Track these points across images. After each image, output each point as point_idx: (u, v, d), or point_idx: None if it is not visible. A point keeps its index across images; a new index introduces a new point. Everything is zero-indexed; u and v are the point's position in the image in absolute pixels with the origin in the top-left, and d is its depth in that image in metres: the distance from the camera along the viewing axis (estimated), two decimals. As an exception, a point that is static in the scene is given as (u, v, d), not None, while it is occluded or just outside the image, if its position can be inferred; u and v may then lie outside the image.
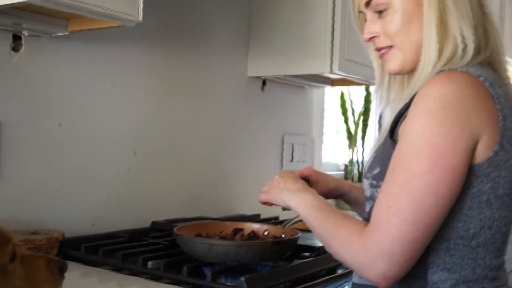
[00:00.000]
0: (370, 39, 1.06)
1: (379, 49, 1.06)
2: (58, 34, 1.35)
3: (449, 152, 0.85)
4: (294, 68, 1.98)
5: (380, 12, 1.03)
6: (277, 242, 1.25)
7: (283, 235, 1.35)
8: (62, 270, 0.89)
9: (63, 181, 1.46)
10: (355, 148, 2.67)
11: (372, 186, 1.00)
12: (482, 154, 0.88)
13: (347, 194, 1.26)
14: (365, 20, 1.08)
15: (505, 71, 0.99)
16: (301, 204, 1.04)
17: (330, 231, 0.96)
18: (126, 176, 1.63)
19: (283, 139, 2.29)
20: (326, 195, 1.22)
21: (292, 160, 2.33)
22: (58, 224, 1.43)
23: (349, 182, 1.35)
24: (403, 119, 0.95)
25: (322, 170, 2.53)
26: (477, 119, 0.87)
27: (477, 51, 0.96)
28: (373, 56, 1.12)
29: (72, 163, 1.48)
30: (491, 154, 0.89)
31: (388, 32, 1.02)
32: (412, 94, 0.94)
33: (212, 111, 1.94)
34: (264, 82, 2.17)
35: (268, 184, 1.15)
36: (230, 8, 2.01)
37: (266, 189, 1.15)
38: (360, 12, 1.09)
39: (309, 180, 1.22)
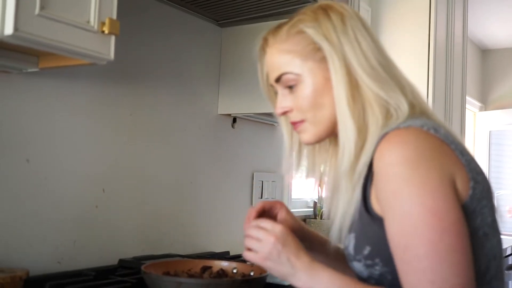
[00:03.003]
0: (283, 113, 1.07)
1: (293, 123, 1.06)
2: (29, 70, 1.35)
3: (445, 207, 0.84)
4: (264, 106, 2.00)
5: (290, 87, 1.03)
6: (246, 280, 1.25)
7: (252, 273, 1.35)
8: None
9: (29, 218, 1.44)
10: (323, 185, 2.69)
11: (368, 266, 0.96)
12: (462, 194, 0.89)
13: (310, 240, 1.20)
14: (276, 93, 1.08)
15: (436, 117, 1.01)
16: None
17: None
18: (94, 213, 1.62)
19: (252, 176, 2.30)
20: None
21: (261, 197, 2.34)
22: (23, 262, 1.40)
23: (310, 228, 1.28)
24: (370, 190, 0.94)
25: (291, 207, 2.56)
26: (445, 164, 0.88)
27: (412, 106, 0.98)
28: (283, 126, 1.13)
29: (39, 199, 1.46)
30: (470, 191, 0.89)
31: (299, 108, 1.03)
32: (363, 169, 0.94)
33: (182, 148, 1.95)
34: (234, 120, 2.19)
35: (250, 236, 1.05)
36: (201, 46, 2.04)
37: (255, 247, 1.03)
38: (271, 85, 1.09)
39: (277, 216, 1.20)
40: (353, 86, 0.97)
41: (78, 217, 1.57)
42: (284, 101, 1.05)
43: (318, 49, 1.00)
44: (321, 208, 2.70)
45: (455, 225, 0.84)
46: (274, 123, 2.36)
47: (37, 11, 1.02)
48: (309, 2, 1.80)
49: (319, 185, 1.19)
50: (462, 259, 0.83)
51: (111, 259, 1.63)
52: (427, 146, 0.89)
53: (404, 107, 0.96)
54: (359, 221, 0.97)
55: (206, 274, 1.35)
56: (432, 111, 1.02)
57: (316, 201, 2.73)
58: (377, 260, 0.94)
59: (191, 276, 1.33)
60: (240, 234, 2.21)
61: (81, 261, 1.56)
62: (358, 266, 0.98)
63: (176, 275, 1.33)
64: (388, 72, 0.99)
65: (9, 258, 1.38)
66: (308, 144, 1.07)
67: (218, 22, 2.09)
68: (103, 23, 1.15)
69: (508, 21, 4.21)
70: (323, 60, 1.00)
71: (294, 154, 1.14)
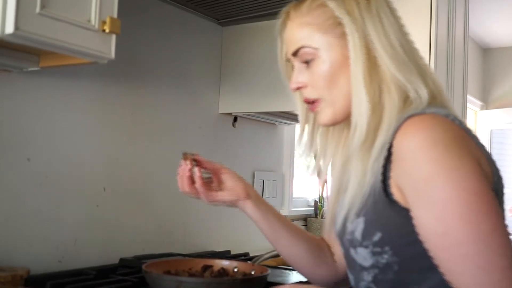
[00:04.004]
0: (298, 89, 1.03)
1: (307, 101, 1.03)
2: (29, 69, 1.35)
3: (482, 188, 0.81)
4: (265, 105, 2.01)
5: (307, 62, 1.00)
6: (247, 279, 1.25)
7: (253, 272, 1.35)
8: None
9: (30, 217, 1.44)
10: (325, 184, 2.69)
11: (375, 254, 0.93)
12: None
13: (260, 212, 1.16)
14: (293, 69, 1.05)
15: (456, 113, 0.96)
16: None
17: None
18: (95, 211, 1.62)
19: (253, 175, 2.30)
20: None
21: (262, 196, 2.34)
22: (24, 261, 1.40)
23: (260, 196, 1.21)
24: (389, 175, 0.90)
25: (292, 206, 2.56)
26: (473, 151, 0.86)
27: (433, 96, 0.95)
28: (298, 105, 1.10)
29: (40, 198, 1.46)
30: (494, 185, 0.87)
31: (314, 84, 1.00)
32: (381, 150, 0.90)
33: (183, 147, 1.95)
34: (235, 119, 2.19)
35: None
36: (202, 45, 2.04)
37: None
38: (288, 60, 1.06)
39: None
40: (371, 63, 0.94)
41: (78, 216, 1.57)
42: (300, 76, 1.02)
43: (338, 23, 0.97)
44: (322, 207, 2.70)
45: (493, 206, 0.81)
46: (275, 122, 2.36)
47: (37, 10, 1.02)
48: (310, 0, 1.79)
49: (320, 178, 1.15)
50: (505, 240, 0.80)
51: (112, 258, 1.63)
52: (454, 132, 0.86)
53: (424, 94, 0.93)
54: (372, 206, 0.92)
55: (207, 273, 1.35)
56: (452, 106, 0.99)
57: (317, 200, 2.73)
58: (386, 248, 0.91)
59: (192, 275, 1.33)
60: (241, 233, 2.23)
61: (82, 260, 1.56)
62: (363, 252, 0.95)
63: (177, 274, 1.33)
64: (409, 56, 0.96)
65: (10, 257, 1.38)
66: (325, 125, 1.04)
67: (219, 21, 2.09)
68: (104, 22, 1.15)
69: (510, 20, 4.21)
70: (343, 36, 0.97)
71: (307, 134, 1.11)
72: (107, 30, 1.15)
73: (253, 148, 2.30)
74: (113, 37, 1.17)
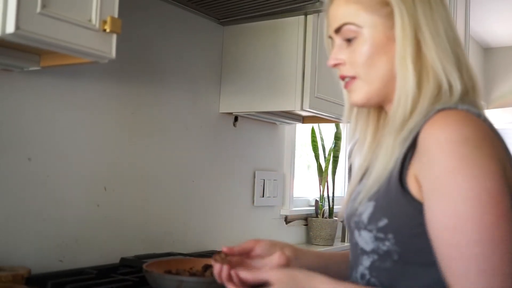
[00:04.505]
0: (335, 65, 1.02)
1: (342, 78, 1.02)
2: (30, 69, 1.35)
3: (503, 192, 0.81)
4: (265, 105, 2.00)
5: (349, 40, 0.99)
6: (247, 278, 1.25)
7: (254, 272, 1.34)
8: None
9: (31, 216, 1.44)
10: (325, 184, 2.69)
11: (378, 239, 0.93)
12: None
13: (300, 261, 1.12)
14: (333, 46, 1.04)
15: (484, 110, 0.97)
16: None
17: None
18: (96, 211, 1.62)
19: (254, 175, 2.30)
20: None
21: (263, 196, 2.34)
22: (25, 261, 1.40)
23: (296, 246, 1.18)
24: (408, 164, 0.89)
25: (293, 205, 2.56)
26: (500, 155, 0.85)
27: (465, 91, 0.94)
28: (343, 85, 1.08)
29: (41, 198, 1.46)
30: None
31: (353, 62, 0.99)
32: (407, 136, 0.90)
33: (184, 146, 1.95)
34: (236, 118, 2.19)
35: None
36: (203, 44, 2.04)
37: None
38: (330, 37, 1.05)
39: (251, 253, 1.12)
40: (417, 47, 0.94)
41: (79, 215, 1.57)
42: (339, 53, 1.01)
43: (386, 4, 0.96)
44: (323, 206, 2.70)
45: (509, 212, 0.80)
46: (276, 122, 2.36)
47: (38, 9, 1.02)
48: (312, 1, 1.80)
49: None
50: None
51: (113, 258, 1.63)
52: (484, 133, 0.85)
53: (456, 86, 0.92)
54: (384, 192, 0.92)
55: (208, 273, 1.35)
56: (482, 105, 0.97)
57: (317, 199, 2.73)
58: (390, 236, 0.90)
59: (192, 274, 1.33)
60: (242, 232, 2.22)
61: (83, 260, 1.56)
62: (366, 236, 0.95)
63: (177, 273, 1.33)
64: (451, 47, 0.96)
65: (11, 257, 1.38)
66: (357, 104, 1.02)
67: (220, 21, 2.09)
68: (105, 22, 1.15)
69: (510, 20, 4.20)
70: (388, 16, 0.96)
71: (352, 118, 1.09)
72: (108, 30, 1.15)
73: (254, 147, 2.30)
74: (114, 36, 1.17)
